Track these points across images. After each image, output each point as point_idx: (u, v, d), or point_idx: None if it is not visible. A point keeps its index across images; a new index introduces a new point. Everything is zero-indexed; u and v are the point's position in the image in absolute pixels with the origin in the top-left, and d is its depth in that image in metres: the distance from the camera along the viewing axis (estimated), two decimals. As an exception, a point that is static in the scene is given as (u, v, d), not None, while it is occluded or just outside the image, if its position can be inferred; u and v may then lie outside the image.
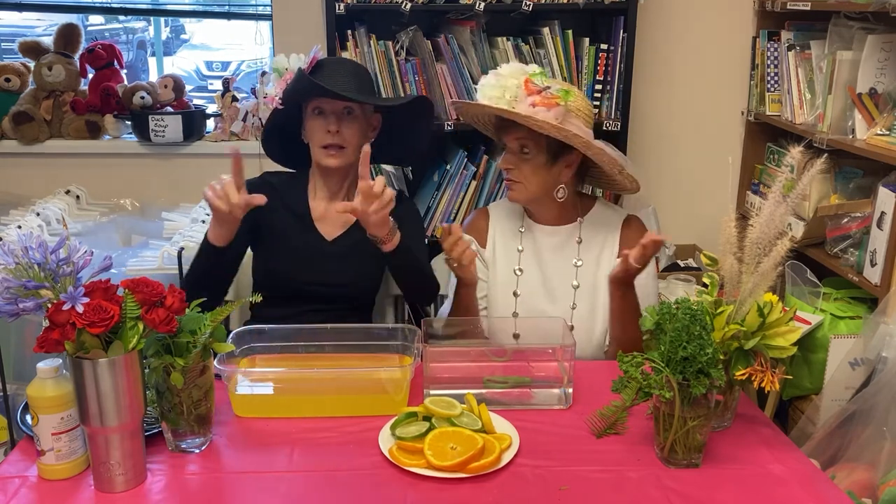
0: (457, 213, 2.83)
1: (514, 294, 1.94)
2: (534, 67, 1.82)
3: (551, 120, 1.74)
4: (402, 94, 2.74)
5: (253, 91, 3.06)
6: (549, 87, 1.75)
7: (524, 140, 1.82)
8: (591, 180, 2.03)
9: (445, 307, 2.02)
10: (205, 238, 1.74)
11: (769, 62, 2.89)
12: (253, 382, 1.56)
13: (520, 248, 1.96)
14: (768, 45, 2.88)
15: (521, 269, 1.94)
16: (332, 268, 1.95)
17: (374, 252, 1.94)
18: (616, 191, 2.08)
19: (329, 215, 1.97)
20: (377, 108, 1.96)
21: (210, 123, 3.14)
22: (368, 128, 1.94)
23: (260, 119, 2.91)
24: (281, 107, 1.85)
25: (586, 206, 1.96)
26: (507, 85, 1.78)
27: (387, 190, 1.63)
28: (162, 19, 4.53)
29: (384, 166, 2.68)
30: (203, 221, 2.52)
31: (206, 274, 1.78)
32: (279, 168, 2.08)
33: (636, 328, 1.54)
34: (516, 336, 1.80)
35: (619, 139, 2.80)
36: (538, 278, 1.94)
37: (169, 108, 3.08)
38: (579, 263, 1.92)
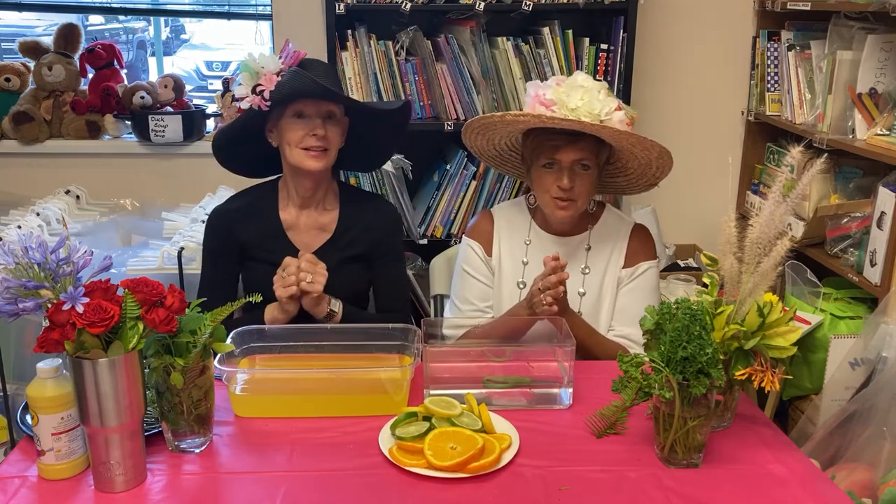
0: (457, 213, 2.83)
1: None
2: (590, 78, 1.77)
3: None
4: (402, 95, 2.74)
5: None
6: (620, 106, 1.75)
7: (587, 157, 1.76)
8: (607, 186, 1.99)
9: (447, 310, 2.02)
10: (255, 316, 1.80)
11: (769, 62, 2.89)
12: (253, 382, 1.56)
13: (525, 260, 1.92)
14: (768, 45, 2.88)
15: (524, 283, 1.90)
16: None
17: (354, 258, 1.92)
18: (634, 191, 2.00)
19: (300, 224, 1.92)
20: (347, 111, 1.89)
21: (210, 123, 3.14)
22: (342, 133, 1.88)
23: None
24: (267, 108, 1.77)
25: (596, 214, 1.93)
26: (601, 99, 1.71)
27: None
28: (162, 19, 4.53)
29: (384, 166, 2.68)
30: (202, 221, 2.52)
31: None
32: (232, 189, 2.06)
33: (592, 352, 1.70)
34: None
35: (619, 139, 2.81)
36: None
37: (169, 108, 3.08)
38: (587, 271, 1.89)
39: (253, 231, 1.91)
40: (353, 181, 2.69)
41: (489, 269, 1.94)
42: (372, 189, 2.71)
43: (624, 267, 1.89)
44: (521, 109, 1.85)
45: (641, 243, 1.90)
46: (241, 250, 1.92)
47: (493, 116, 1.79)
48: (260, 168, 1.97)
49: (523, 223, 1.94)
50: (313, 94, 1.78)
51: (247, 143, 1.89)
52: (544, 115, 1.71)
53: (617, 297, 1.89)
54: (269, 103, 1.75)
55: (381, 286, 1.98)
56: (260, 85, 1.76)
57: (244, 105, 1.78)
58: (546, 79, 2.70)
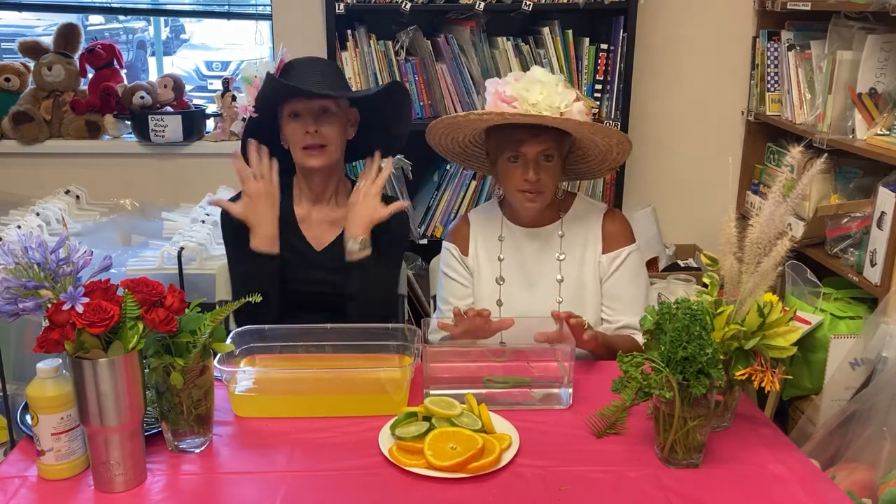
0: (456, 213, 2.83)
1: (498, 303, 1.92)
2: (548, 72, 1.79)
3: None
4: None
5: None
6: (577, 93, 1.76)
7: (551, 149, 1.78)
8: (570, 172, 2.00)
9: (434, 315, 2.02)
10: (252, 256, 1.78)
11: (769, 62, 2.89)
12: (253, 382, 1.56)
13: (500, 256, 1.94)
14: (768, 45, 2.88)
15: (502, 279, 1.92)
16: (323, 278, 1.92)
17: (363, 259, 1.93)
18: (597, 176, 2.06)
19: (313, 219, 1.95)
20: (353, 102, 1.92)
21: (210, 123, 3.14)
22: (347, 124, 1.90)
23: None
24: (255, 115, 1.81)
25: (566, 203, 1.95)
26: (560, 92, 1.73)
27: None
28: (162, 19, 4.53)
29: (384, 166, 2.68)
30: (203, 221, 2.52)
31: (271, 285, 1.81)
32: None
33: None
34: (502, 343, 1.79)
35: (619, 139, 2.80)
36: (520, 284, 1.92)
37: (169, 108, 3.08)
38: (562, 257, 1.90)
39: None
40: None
41: (465, 267, 1.96)
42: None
43: (604, 252, 1.89)
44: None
45: (617, 227, 1.91)
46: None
47: (457, 116, 1.82)
48: (286, 165, 1.97)
49: (496, 221, 1.97)
50: (288, 94, 1.80)
51: (268, 145, 1.91)
52: (507, 111, 1.74)
53: (605, 287, 1.89)
54: (255, 112, 1.81)
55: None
56: (251, 93, 1.82)
57: (242, 114, 1.84)
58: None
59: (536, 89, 1.72)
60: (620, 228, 1.91)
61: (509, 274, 1.93)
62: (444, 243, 2.01)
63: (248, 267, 1.86)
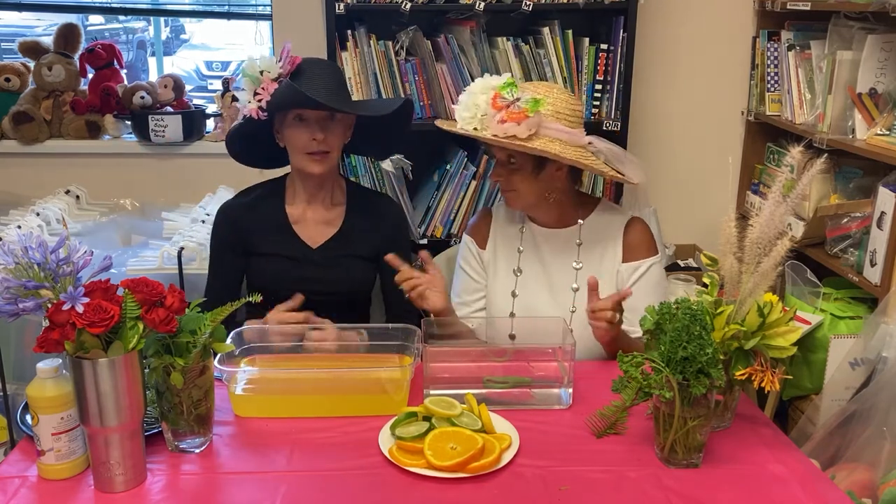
0: (457, 213, 2.83)
1: (513, 294, 1.92)
2: (503, 78, 1.76)
3: (522, 133, 1.70)
4: (402, 95, 2.74)
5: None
6: (517, 100, 1.71)
7: (510, 152, 1.79)
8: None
9: None
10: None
11: (769, 62, 2.89)
12: (253, 382, 1.56)
13: (520, 248, 1.94)
14: (768, 45, 2.88)
15: (520, 270, 1.93)
16: (319, 275, 1.92)
17: (360, 256, 1.95)
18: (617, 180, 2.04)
19: (308, 219, 1.96)
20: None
21: (210, 123, 3.14)
22: (346, 128, 1.91)
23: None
24: (264, 117, 1.81)
25: (587, 209, 1.93)
26: (477, 103, 1.76)
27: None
28: (162, 19, 4.53)
29: (384, 166, 2.68)
30: (203, 221, 2.52)
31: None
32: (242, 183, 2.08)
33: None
34: (512, 336, 1.79)
35: (619, 139, 2.80)
36: (538, 279, 1.92)
37: (169, 108, 3.08)
38: (579, 266, 1.89)
39: (259, 224, 1.94)
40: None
41: (480, 262, 1.97)
42: (372, 188, 2.71)
43: (624, 262, 1.87)
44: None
45: (639, 238, 1.89)
46: (246, 244, 1.94)
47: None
48: (275, 160, 1.98)
49: (519, 215, 1.98)
50: (305, 106, 1.80)
51: (259, 142, 1.93)
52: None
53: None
54: (265, 114, 1.80)
55: (391, 292, 2.00)
56: (258, 93, 1.79)
57: (245, 112, 1.82)
58: (546, 79, 2.73)
59: (465, 100, 1.80)
60: (643, 239, 1.88)
61: (527, 266, 1.93)
62: (464, 236, 2.03)
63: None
